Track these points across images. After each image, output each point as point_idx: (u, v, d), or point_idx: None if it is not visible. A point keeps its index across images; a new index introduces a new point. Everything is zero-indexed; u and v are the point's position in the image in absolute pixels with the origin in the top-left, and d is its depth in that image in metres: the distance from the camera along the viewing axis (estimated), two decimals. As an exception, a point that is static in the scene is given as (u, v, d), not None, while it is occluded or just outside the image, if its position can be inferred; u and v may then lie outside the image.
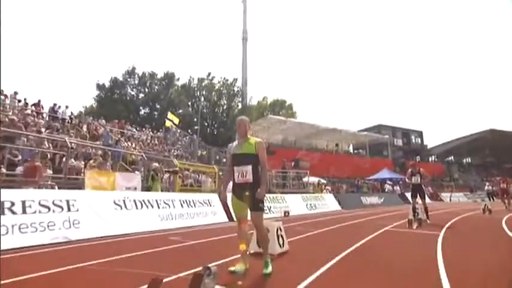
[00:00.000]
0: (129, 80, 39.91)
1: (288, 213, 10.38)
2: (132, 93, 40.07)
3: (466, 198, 28.26)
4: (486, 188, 22.51)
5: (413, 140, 49.13)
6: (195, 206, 7.77)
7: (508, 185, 13.39)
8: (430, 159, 50.28)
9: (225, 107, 44.66)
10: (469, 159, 57.40)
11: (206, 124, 43.65)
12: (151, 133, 20.78)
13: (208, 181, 11.86)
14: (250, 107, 46.45)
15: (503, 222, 8.32)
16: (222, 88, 45.15)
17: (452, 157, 54.08)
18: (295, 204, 11.63)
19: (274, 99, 51.83)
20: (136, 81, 40.29)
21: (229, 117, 44.26)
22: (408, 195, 21.55)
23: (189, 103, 42.60)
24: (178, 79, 42.99)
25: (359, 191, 18.23)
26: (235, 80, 45.76)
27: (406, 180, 9.17)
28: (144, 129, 20.62)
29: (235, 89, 45.78)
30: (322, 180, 17.18)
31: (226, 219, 8.48)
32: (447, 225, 7.70)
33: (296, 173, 14.87)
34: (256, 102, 50.40)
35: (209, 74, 45.55)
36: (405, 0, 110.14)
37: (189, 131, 36.40)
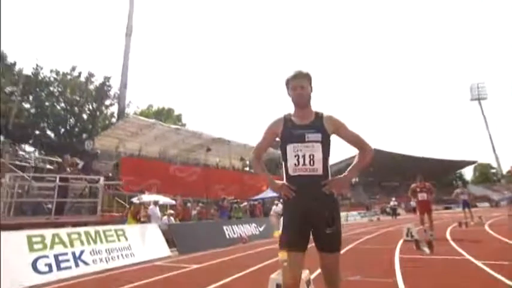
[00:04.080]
0: None
1: None
2: None
3: (360, 217, 25.47)
4: (392, 203, 19.58)
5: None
6: None
7: (430, 193, 8.57)
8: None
9: (88, 108, 33.85)
10: (356, 179, 59.77)
11: (61, 128, 31.81)
12: None
13: None
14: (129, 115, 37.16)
15: None
16: (88, 86, 34.20)
17: (343, 176, 54.96)
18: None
19: (159, 107, 43.72)
20: None
21: (95, 124, 33.74)
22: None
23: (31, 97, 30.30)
24: (14, 63, 30.16)
25: (224, 216, 11.73)
26: (108, 78, 35.56)
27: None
28: None
29: (108, 89, 35.64)
30: (150, 198, 9.76)
31: None
32: None
33: (86, 181, 7.24)
34: (139, 110, 41.39)
35: (74, 68, 34.19)
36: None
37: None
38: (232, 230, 9.59)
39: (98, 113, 34.14)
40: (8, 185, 6.53)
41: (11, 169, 10.52)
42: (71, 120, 32.02)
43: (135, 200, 8.41)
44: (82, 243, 5.40)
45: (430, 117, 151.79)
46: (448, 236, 7.95)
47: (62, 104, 31.75)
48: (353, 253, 6.20)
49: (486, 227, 9.67)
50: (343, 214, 23.59)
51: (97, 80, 34.77)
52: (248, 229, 10.43)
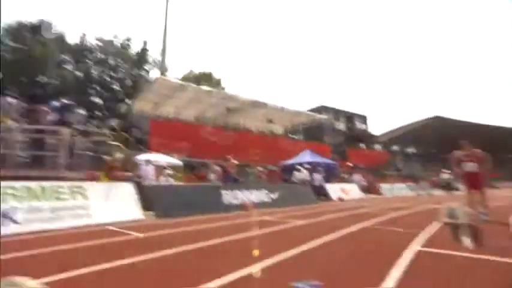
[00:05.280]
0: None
1: None
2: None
3: (409, 190, 22.54)
4: (445, 176, 16.70)
5: (358, 126, 43.89)
6: None
7: (481, 164, 6.21)
8: (375, 147, 45.73)
9: (131, 74, 34.75)
10: (413, 149, 53.99)
11: (106, 93, 33.39)
12: None
13: None
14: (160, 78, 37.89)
15: None
16: (128, 51, 35.18)
17: (397, 146, 50.14)
18: None
19: (200, 72, 43.31)
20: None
21: (137, 89, 34.77)
22: (332, 187, 14.59)
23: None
24: (60, 33, 31.43)
25: (229, 180, 10.49)
26: (146, 43, 36.03)
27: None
28: None
29: (147, 54, 36.20)
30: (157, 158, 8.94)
31: None
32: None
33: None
34: (180, 76, 41.59)
35: (116, 35, 35.45)
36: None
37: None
38: (234, 195, 8.38)
39: (139, 78, 34.88)
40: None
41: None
42: (115, 86, 33.21)
43: (108, 157, 7.59)
44: (17, 199, 4.61)
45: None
46: (512, 221, 5.71)
47: (107, 70, 32.93)
48: (361, 235, 4.50)
49: None
50: (388, 186, 20.97)
51: (136, 46, 35.41)
52: (257, 196, 9.15)
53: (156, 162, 9.85)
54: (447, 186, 16.94)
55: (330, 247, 3.65)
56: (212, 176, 12.14)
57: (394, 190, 21.09)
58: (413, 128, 47.41)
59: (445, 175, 17.11)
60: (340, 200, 12.99)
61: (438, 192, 19.12)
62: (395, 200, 13.25)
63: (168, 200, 6.68)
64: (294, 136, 32.85)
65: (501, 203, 10.27)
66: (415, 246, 3.55)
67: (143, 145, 19.23)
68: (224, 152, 20.59)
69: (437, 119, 44.86)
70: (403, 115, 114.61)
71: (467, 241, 3.67)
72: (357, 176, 18.12)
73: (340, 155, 32.19)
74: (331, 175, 16.25)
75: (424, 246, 3.57)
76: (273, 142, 26.96)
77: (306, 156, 16.69)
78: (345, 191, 14.20)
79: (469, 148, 6.49)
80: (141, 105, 24.96)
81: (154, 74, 36.30)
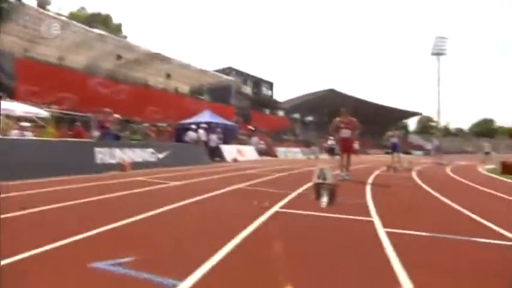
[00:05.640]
0: None
1: None
2: None
3: (302, 154, 24.82)
4: (330, 142, 18.57)
5: (264, 91, 45.19)
6: None
7: (354, 130, 6.91)
8: (279, 113, 48.45)
9: None
10: (311, 117, 59.37)
11: None
12: None
13: None
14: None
15: None
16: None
17: (297, 114, 54.34)
18: None
19: (94, 12, 36.54)
20: None
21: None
22: (228, 148, 14.61)
23: None
24: None
25: (109, 137, 9.21)
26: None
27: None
28: None
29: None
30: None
31: None
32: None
33: None
34: (68, 12, 34.02)
35: None
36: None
37: None
38: (111, 154, 7.29)
39: (4, 4, 27.06)
40: None
41: None
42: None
43: None
44: None
45: (387, 63, 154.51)
46: (369, 181, 6.51)
47: None
48: (229, 196, 4.31)
49: (414, 174, 8.57)
50: (282, 150, 22.55)
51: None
52: (140, 155, 8.22)
53: (8, 111, 7.74)
54: (331, 151, 19.16)
55: (184, 211, 3.28)
56: (96, 133, 10.50)
57: (289, 153, 22.82)
58: (312, 98, 51.66)
59: (330, 141, 19.28)
60: (235, 161, 13.12)
61: (324, 156, 21.52)
62: (287, 162, 14.18)
63: (10, 159, 5.21)
64: (199, 96, 31.60)
65: (366, 165, 12.02)
66: (276, 207, 3.50)
67: (3, 91, 15.42)
68: (115, 107, 18.29)
69: (332, 92, 49.78)
70: (305, 85, 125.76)
71: (324, 199, 3.81)
72: (255, 139, 18.69)
73: (245, 118, 32.85)
74: (230, 137, 16.25)
75: (282, 207, 3.55)
76: (175, 100, 25.31)
77: (205, 117, 16.13)
78: (241, 153, 14.41)
79: (346, 116, 6.99)
80: (5, 40, 19.60)
81: (29, 3, 28.67)
